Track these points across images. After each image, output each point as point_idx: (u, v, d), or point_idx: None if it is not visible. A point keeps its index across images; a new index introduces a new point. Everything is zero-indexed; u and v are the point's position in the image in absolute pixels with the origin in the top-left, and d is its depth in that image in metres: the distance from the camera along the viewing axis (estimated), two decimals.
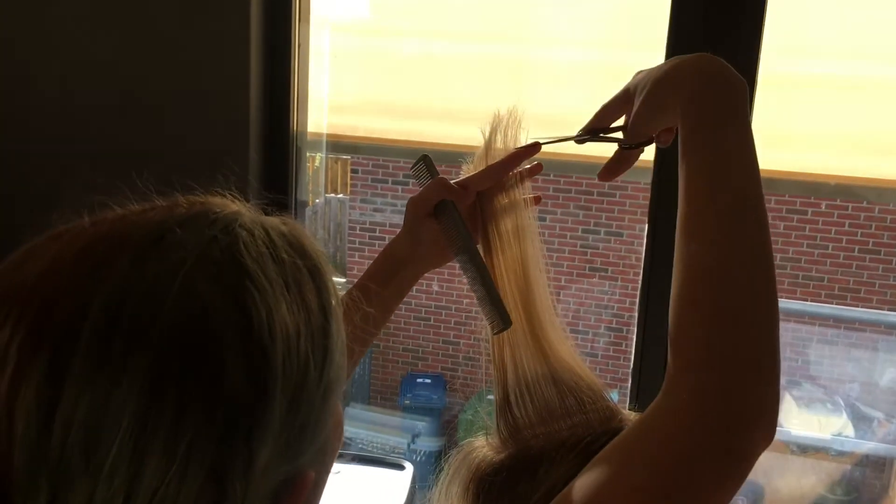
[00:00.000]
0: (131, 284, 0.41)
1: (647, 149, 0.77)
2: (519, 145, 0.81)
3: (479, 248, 0.81)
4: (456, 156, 0.86)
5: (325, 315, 0.47)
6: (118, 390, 0.38)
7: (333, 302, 0.48)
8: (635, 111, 0.71)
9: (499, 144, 0.82)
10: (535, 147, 0.80)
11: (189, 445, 0.39)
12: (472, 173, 0.82)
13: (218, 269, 0.43)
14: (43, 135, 1.42)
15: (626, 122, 0.76)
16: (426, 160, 0.85)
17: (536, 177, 0.83)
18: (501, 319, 0.75)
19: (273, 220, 0.49)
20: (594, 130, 0.78)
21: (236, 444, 0.41)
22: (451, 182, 0.82)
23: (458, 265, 0.82)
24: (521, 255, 0.78)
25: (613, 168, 0.79)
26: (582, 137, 0.79)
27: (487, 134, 0.82)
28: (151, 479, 0.38)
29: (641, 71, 0.73)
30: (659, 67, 0.69)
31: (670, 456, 0.53)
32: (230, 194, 0.50)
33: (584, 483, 0.55)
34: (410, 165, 0.86)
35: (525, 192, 0.81)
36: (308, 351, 0.45)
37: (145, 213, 0.46)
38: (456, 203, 0.80)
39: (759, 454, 0.53)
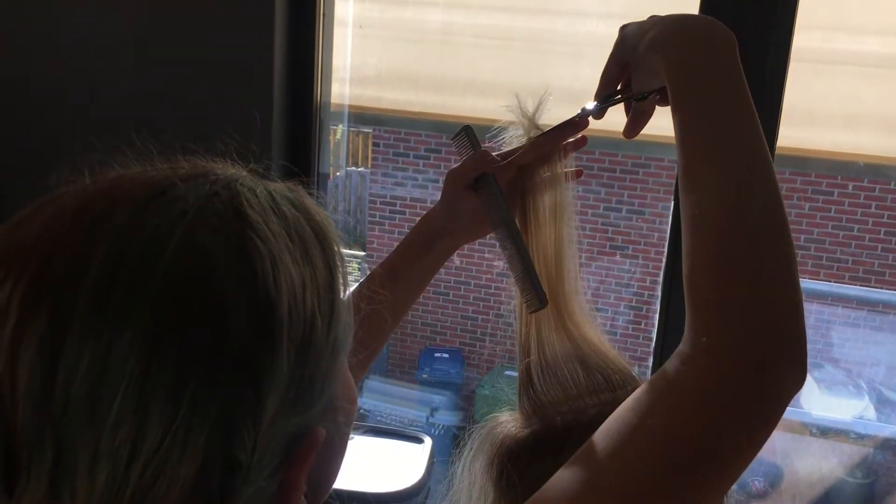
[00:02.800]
0: (131, 236, 0.41)
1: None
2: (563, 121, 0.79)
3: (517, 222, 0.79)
4: (479, 129, 0.84)
5: (331, 272, 0.47)
6: (120, 339, 0.38)
7: (339, 262, 0.48)
8: (633, 79, 0.73)
9: (542, 120, 0.80)
10: (582, 122, 0.79)
11: (194, 393, 0.39)
12: (512, 147, 0.81)
13: (219, 220, 0.42)
14: (60, 103, 1.43)
15: (628, 81, 0.75)
16: (468, 131, 0.82)
17: None
18: (538, 298, 0.73)
19: (277, 184, 0.48)
20: (606, 97, 0.77)
21: (243, 391, 0.40)
22: (494, 155, 0.81)
23: (494, 240, 0.80)
24: (557, 232, 0.77)
25: (636, 121, 0.78)
26: (599, 107, 0.78)
27: (532, 109, 0.80)
28: (157, 428, 0.38)
29: (627, 25, 0.72)
30: (643, 31, 0.68)
31: (695, 404, 0.51)
32: (231, 161, 0.49)
33: (606, 433, 0.53)
34: (451, 136, 0.84)
35: (567, 166, 0.80)
36: (314, 304, 0.44)
37: (146, 172, 0.46)
38: (496, 177, 0.79)
39: (790, 396, 0.51)
